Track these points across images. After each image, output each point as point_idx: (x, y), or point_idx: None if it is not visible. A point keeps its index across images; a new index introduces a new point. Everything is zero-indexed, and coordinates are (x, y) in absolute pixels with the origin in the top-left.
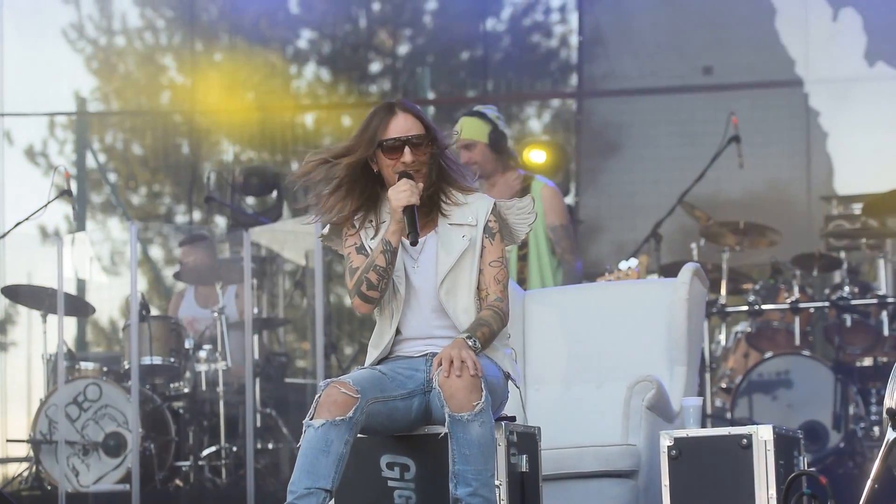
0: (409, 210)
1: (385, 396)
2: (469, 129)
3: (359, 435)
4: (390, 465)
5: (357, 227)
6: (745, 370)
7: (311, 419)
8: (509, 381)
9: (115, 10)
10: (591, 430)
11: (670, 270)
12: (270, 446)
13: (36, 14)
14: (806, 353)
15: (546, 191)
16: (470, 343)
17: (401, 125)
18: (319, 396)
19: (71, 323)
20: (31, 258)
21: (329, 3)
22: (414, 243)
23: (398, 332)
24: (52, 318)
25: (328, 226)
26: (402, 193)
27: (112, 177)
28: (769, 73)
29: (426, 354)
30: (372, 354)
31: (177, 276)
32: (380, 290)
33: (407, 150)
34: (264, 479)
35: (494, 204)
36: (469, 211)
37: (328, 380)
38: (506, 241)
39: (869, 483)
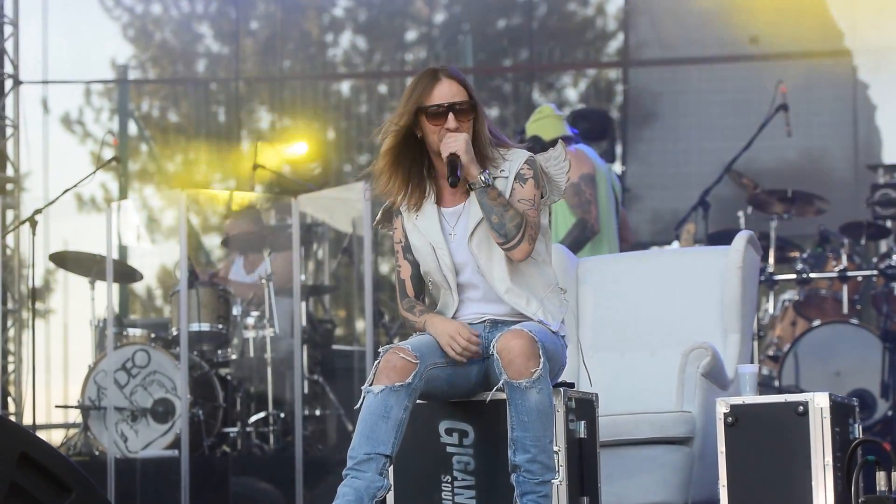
0: (452, 158)
1: (444, 362)
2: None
3: (417, 401)
4: (449, 431)
5: (403, 211)
6: (793, 338)
7: (371, 385)
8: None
9: None
10: (645, 398)
11: (718, 238)
12: (318, 413)
13: None
14: (854, 321)
15: None
16: (483, 177)
17: (445, 91)
18: (379, 362)
19: (114, 290)
20: (68, 226)
21: None
22: (452, 185)
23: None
24: (96, 285)
25: (381, 212)
26: (451, 143)
27: (146, 144)
28: (817, 43)
29: (485, 321)
30: None
31: (224, 243)
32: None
33: (451, 116)
34: (311, 445)
35: (529, 156)
36: (503, 166)
37: (388, 345)
38: (552, 195)
39: None
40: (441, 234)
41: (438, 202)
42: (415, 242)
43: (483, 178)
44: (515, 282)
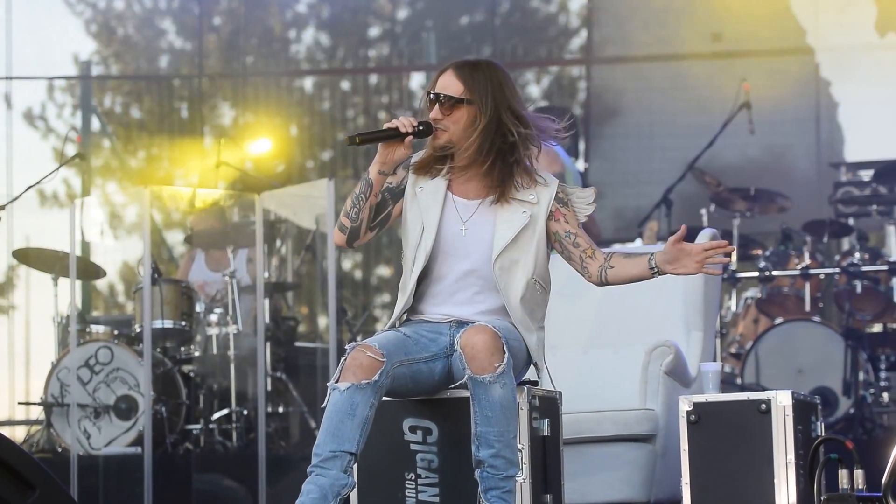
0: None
1: (409, 359)
2: None
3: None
4: (413, 429)
5: (412, 173)
6: (755, 336)
7: (337, 382)
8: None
9: None
10: (608, 395)
11: None
12: (281, 410)
13: None
14: (816, 319)
15: None
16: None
17: (441, 82)
18: (345, 359)
19: (76, 286)
20: (30, 222)
21: None
22: (348, 142)
23: (428, 290)
24: (59, 282)
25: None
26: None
27: (109, 141)
28: (779, 41)
29: (451, 321)
30: (399, 301)
31: (188, 239)
32: (350, 218)
33: (436, 106)
34: (274, 442)
35: (558, 185)
36: (532, 189)
37: (354, 343)
38: None
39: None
40: (436, 221)
41: (450, 188)
42: (408, 215)
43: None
44: (525, 310)
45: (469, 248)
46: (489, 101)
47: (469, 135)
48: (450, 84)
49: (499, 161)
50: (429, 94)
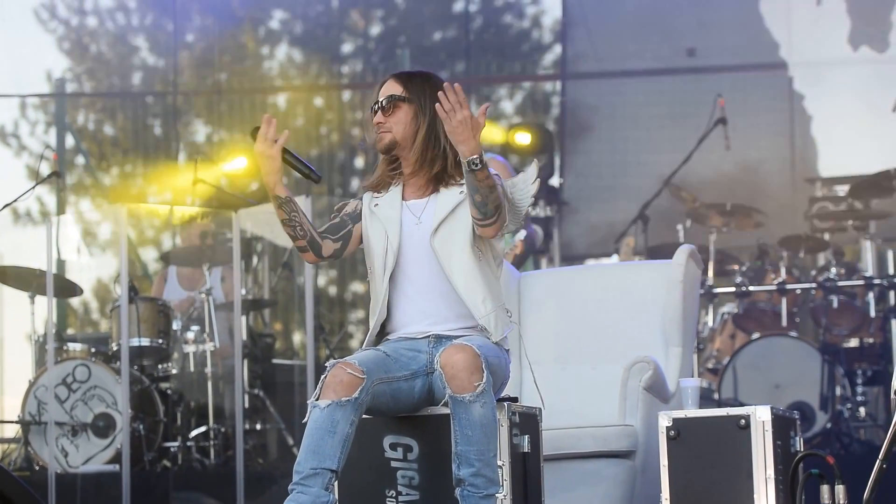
0: (285, 153)
1: (389, 377)
2: None
3: (362, 416)
4: (393, 446)
5: (365, 198)
6: (732, 351)
7: (317, 399)
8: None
9: None
10: (587, 411)
11: (657, 252)
12: (258, 427)
13: None
14: (793, 334)
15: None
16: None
17: (382, 90)
18: (325, 377)
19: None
20: (3, 240)
21: None
22: (317, 180)
23: (401, 294)
24: (34, 299)
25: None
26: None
27: (84, 158)
28: (753, 55)
29: (429, 336)
30: (372, 314)
31: (162, 257)
32: (298, 237)
33: (379, 113)
34: (252, 459)
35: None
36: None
37: (334, 360)
38: (511, 223)
39: (878, 463)
40: (398, 223)
41: (404, 196)
42: (368, 231)
43: (476, 159)
44: (473, 281)
45: (422, 237)
46: (427, 101)
47: (412, 135)
48: (389, 89)
49: (444, 159)
50: (373, 105)
